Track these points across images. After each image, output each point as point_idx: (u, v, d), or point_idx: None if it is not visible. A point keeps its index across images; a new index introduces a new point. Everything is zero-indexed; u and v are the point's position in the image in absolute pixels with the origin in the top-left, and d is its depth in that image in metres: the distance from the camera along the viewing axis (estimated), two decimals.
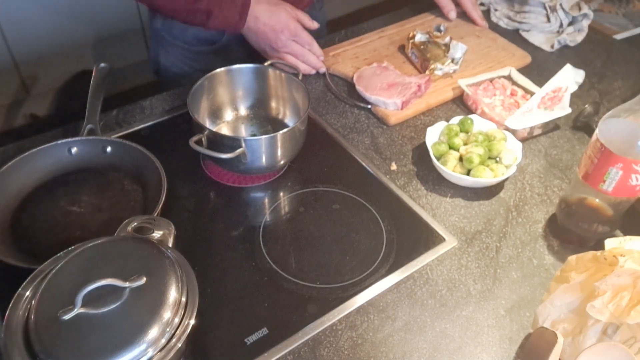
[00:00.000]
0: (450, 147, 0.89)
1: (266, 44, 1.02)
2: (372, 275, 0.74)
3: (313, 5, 1.20)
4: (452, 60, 1.07)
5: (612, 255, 0.60)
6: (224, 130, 0.93)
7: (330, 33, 1.22)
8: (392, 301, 0.72)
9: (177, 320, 0.56)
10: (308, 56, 1.05)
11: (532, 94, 1.01)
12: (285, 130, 0.79)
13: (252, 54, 1.08)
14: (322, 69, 1.07)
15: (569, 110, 0.95)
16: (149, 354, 0.53)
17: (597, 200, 0.77)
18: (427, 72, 1.06)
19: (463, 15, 1.26)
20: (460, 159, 0.87)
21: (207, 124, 0.91)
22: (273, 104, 0.95)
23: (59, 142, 0.82)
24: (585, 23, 1.20)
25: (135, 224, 0.64)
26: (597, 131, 0.71)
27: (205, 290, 0.70)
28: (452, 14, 1.21)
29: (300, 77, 0.89)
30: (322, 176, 0.88)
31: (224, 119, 0.94)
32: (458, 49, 1.07)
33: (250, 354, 0.65)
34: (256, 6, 0.99)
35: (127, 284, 0.56)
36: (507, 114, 0.96)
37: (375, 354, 0.66)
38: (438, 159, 0.88)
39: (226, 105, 0.94)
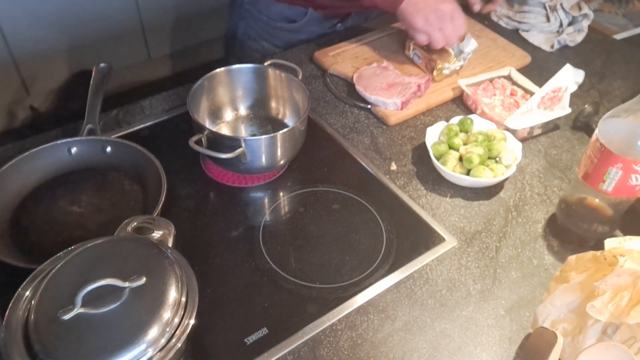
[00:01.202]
0: (450, 147, 0.89)
1: (427, 13, 1.00)
2: (372, 275, 0.74)
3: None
4: (459, 56, 1.06)
5: (611, 255, 0.60)
6: (224, 130, 0.93)
7: (330, 33, 1.22)
8: (392, 301, 0.72)
9: (176, 320, 0.56)
10: (454, 38, 1.03)
11: (532, 94, 1.01)
12: (285, 130, 0.79)
13: (324, 35, 1.15)
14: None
15: (569, 110, 0.95)
16: (149, 354, 0.53)
17: (596, 200, 0.77)
18: (434, 73, 1.05)
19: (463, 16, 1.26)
20: (460, 159, 0.87)
21: (207, 124, 0.91)
22: (273, 104, 0.95)
23: (59, 142, 0.82)
24: (585, 23, 1.20)
25: (135, 224, 0.64)
26: (596, 131, 0.71)
27: (205, 290, 0.70)
28: (477, 7, 1.19)
29: (300, 77, 0.89)
30: (322, 176, 0.88)
31: (224, 119, 0.94)
32: (469, 44, 1.07)
33: (250, 354, 0.65)
34: None
35: (126, 284, 0.56)
36: (507, 114, 0.96)
37: (375, 354, 0.66)
38: (438, 159, 0.88)
39: (226, 105, 0.94)
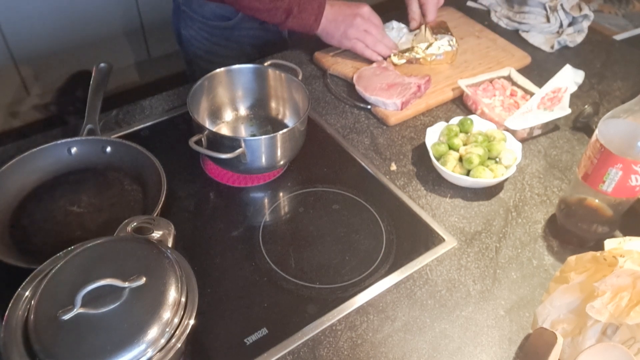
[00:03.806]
0: (450, 148, 0.89)
1: (342, 29, 1.06)
2: (372, 275, 0.74)
3: None
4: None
5: (611, 256, 0.60)
6: (224, 130, 0.93)
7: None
8: (392, 301, 0.72)
9: (176, 320, 0.56)
10: (379, 45, 1.08)
11: (531, 94, 1.01)
12: (285, 130, 0.79)
13: (261, 29, 1.17)
14: (389, 54, 1.10)
15: (569, 111, 0.95)
16: (149, 354, 0.53)
17: (596, 200, 0.77)
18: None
19: (463, 16, 1.26)
20: (460, 159, 0.88)
21: (207, 124, 0.91)
22: (273, 104, 0.95)
23: (59, 142, 0.82)
24: (585, 24, 1.20)
25: (135, 224, 0.64)
26: (596, 132, 0.71)
27: (205, 290, 0.70)
28: (413, 23, 1.17)
29: (299, 77, 0.89)
30: (322, 176, 0.88)
31: (224, 119, 0.94)
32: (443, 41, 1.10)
33: (250, 354, 0.65)
34: (331, 8, 1.06)
35: (126, 284, 0.56)
36: (507, 115, 0.96)
37: (375, 354, 0.66)
38: (438, 159, 0.88)
39: (226, 106, 0.94)
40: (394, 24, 1.16)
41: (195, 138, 0.78)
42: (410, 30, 1.16)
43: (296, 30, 1.08)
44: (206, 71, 0.89)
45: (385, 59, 1.09)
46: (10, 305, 0.56)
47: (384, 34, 1.09)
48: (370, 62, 1.09)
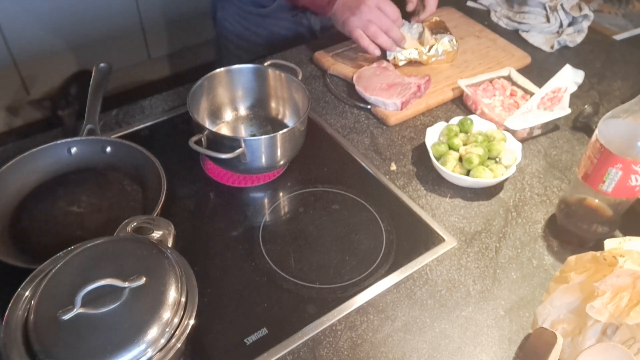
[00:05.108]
0: (450, 148, 0.89)
1: (345, 15, 1.03)
2: (372, 275, 0.74)
3: None
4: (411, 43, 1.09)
5: (611, 256, 0.60)
6: (224, 130, 0.93)
7: (330, 33, 1.23)
8: (392, 301, 0.72)
9: (176, 320, 0.56)
10: (381, 37, 1.04)
11: (531, 94, 1.01)
12: (284, 130, 0.79)
13: (294, 22, 1.18)
14: (394, 48, 1.07)
15: (569, 111, 0.95)
16: (149, 354, 0.53)
17: (596, 200, 0.77)
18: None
19: (463, 16, 1.26)
20: (460, 159, 0.88)
21: (207, 124, 0.91)
22: (273, 104, 0.95)
23: (59, 142, 0.82)
24: (585, 24, 1.20)
25: (135, 224, 0.64)
26: (596, 132, 0.71)
27: (205, 290, 0.70)
28: (410, 5, 1.16)
29: (299, 77, 0.89)
30: (322, 176, 0.88)
31: (224, 119, 0.94)
32: (412, 30, 1.11)
33: (250, 354, 0.65)
34: None
35: (126, 284, 0.56)
36: (507, 115, 0.96)
37: (375, 354, 0.66)
38: (438, 159, 0.88)
39: (226, 106, 0.94)
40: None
41: (195, 138, 0.79)
42: (410, 14, 1.15)
43: (310, 9, 1.09)
44: (235, 55, 0.89)
45: (384, 59, 1.09)
46: (10, 305, 0.56)
47: (391, 26, 1.04)
48: (370, 61, 1.09)
